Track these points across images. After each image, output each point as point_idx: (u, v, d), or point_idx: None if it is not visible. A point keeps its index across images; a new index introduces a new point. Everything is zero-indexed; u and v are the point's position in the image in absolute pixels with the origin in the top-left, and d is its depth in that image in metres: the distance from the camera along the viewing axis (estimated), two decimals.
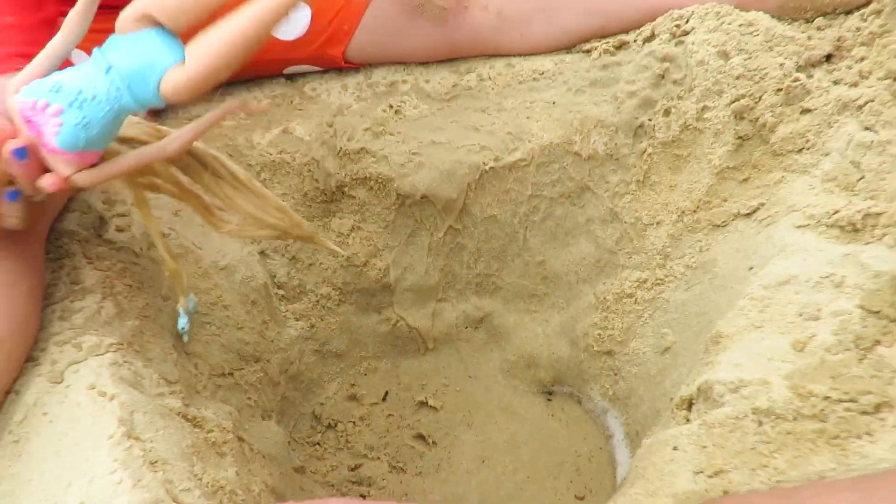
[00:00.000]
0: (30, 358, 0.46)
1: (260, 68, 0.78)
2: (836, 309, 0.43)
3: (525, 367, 0.73)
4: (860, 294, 0.43)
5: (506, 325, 0.74)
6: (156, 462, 0.40)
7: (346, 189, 0.71)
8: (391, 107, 0.75)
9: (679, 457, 0.39)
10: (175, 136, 0.43)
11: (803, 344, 0.42)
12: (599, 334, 0.68)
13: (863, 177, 0.54)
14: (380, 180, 0.69)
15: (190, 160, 0.48)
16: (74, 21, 0.40)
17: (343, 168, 0.70)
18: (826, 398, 0.37)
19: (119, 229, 0.57)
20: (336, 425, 0.70)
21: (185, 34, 0.39)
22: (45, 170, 0.41)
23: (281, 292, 0.71)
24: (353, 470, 0.67)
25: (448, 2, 0.75)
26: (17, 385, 0.45)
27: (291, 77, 0.81)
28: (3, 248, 0.47)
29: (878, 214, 0.50)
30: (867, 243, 0.49)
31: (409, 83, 0.78)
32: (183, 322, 0.54)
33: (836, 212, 0.51)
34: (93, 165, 0.42)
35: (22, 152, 0.39)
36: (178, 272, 0.52)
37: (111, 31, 0.39)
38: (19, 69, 0.42)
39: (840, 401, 0.37)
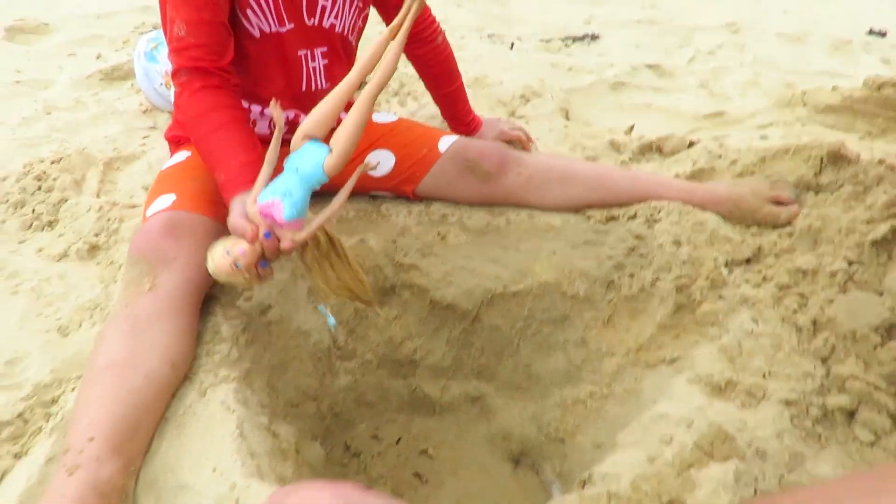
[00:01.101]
0: (186, 377, 0.76)
1: (355, 191, 1.08)
2: (680, 440, 0.68)
3: (502, 439, 0.98)
4: (697, 434, 0.68)
5: (494, 406, 1.00)
6: (253, 454, 0.68)
7: (396, 289, 0.99)
8: (439, 234, 1.03)
9: None
10: (330, 209, 0.74)
11: (653, 458, 0.67)
12: (558, 426, 0.93)
13: (741, 355, 0.78)
14: (420, 288, 0.97)
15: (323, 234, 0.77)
16: (271, 154, 0.74)
17: (397, 275, 0.99)
18: (646, 493, 0.62)
19: (245, 300, 0.87)
20: (360, 454, 0.97)
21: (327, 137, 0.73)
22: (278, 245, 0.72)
23: (339, 352, 1.00)
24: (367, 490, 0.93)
25: (492, 168, 1.04)
26: (179, 393, 0.74)
27: (373, 197, 1.11)
28: (182, 311, 0.77)
29: (736, 384, 0.74)
30: (725, 401, 0.73)
31: (455, 217, 1.07)
32: (332, 320, 0.81)
33: (712, 375, 0.76)
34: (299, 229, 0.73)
35: (268, 234, 0.70)
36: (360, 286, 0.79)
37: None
38: (248, 189, 0.74)
39: (657, 495, 0.62)
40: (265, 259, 0.72)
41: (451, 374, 1.02)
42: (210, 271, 0.72)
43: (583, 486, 0.71)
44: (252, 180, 0.75)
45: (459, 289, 0.97)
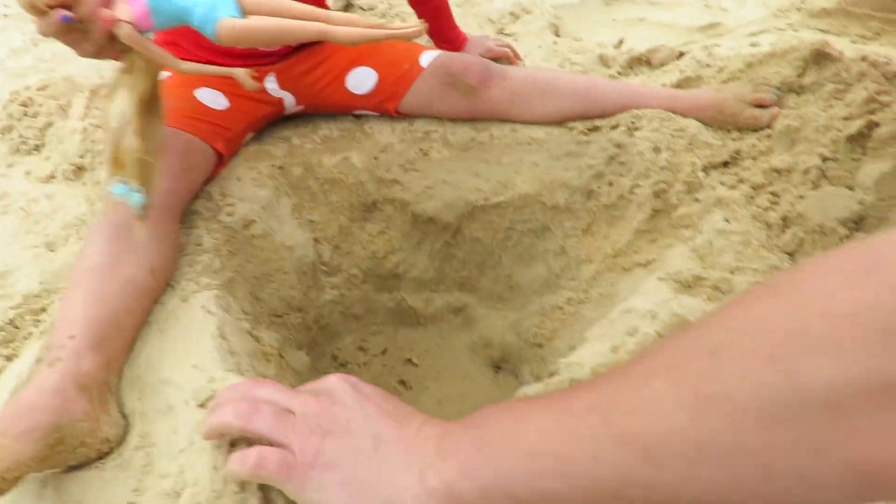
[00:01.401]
0: (169, 285, 0.78)
1: (338, 109, 1.08)
2: (644, 331, 0.69)
3: (483, 347, 1.01)
4: (661, 325, 0.70)
5: (476, 316, 1.02)
6: (233, 353, 0.71)
7: (378, 205, 1.00)
8: (421, 150, 1.04)
9: None
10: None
11: (617, 348, 0.69)
12: (536, 332, 0.95)
13: (711, 252, 0.79)
14: (402, 203, 0.99)
15: None
16: None
17: (379, 190, 1.00)
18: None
19: (228, 214, 0.89)
20: (346, 364, 1.01)
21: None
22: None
23: (324, 268, 1.02)
24: None
25: (475, 82, 1.02)
26: (162, 299, 0.77)
27: (357, 116, 1.11)
28: (162, 221, 0.78)
29: (704, 279, 0.75)
30: (691, 296, 0.75)
31: (439, 133, 1.06)
32: (137, 197, 0.62)
33: (681, 272, 0.77)
34: (141, 32, 0.58)
35: None
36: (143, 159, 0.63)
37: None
38: None
39: None
40: (67, 14, 0.57)
41: (434, 286, 1.04)
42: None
43: (550, 376, 0.73)
44: None
45: (440, 202, 0.98)
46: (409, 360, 1.01)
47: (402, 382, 0.99)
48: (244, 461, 0.47)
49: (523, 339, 0.97)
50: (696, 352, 0.31)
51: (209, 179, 0.91)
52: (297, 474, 0.44)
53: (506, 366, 1.00)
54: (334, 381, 0.49)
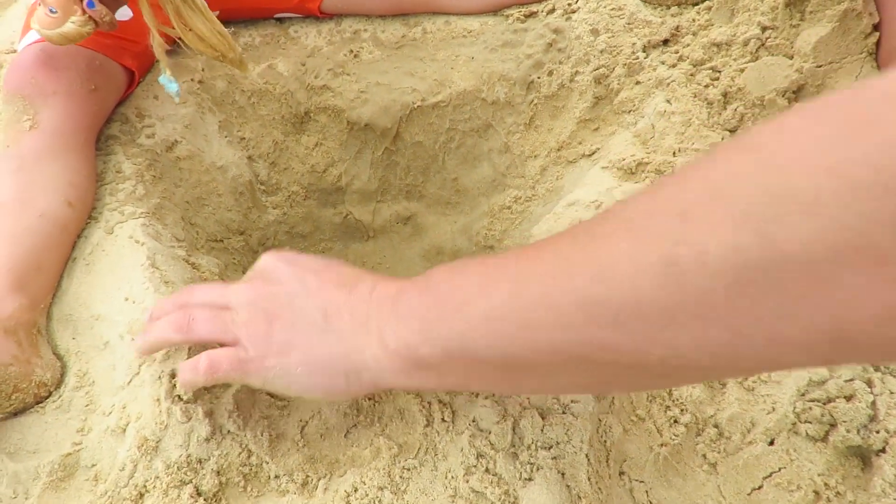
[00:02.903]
0: (91, 217, 0.73)
1: (255, 13, 1.00)
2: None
3: (436, 254, 1.00)
4: None
5: (426, 223, 1.00)
6: (168, 282, 0.68)
7: (311, 115, 0.95)
8: (351, 51, 0.98)
9: None
10: None
11: None
12: (486, 234, 0.94)
13: (653, 136, 0.78)
14: (335, 110, 0.94)
15: None
16: None
17: (310, 99, 0.94)
18: None
19: (147, 136, 0.83)
20: None
21: None
22: None
23: (262, 187, 0.98)
24: None
25: None
26: (84, 233, 0.72)
27: (280, 20, 1.03)
28: (72, 148, 0.73)
29: (647, 163, 0.74)
30: (634, 181, 0.74)
31: (368, 32, 1.00)
32: (173, 86, 0.71)
33: (624, 159, 0.75)
34: None
35: None
36: (163, 51, 0.69)
37: None
38: None
39: None
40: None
41: (379, 196, 1.01)
42: (43, 37, 0.65)
43: None
44: None
45: (376, 106, 0.93)
46: None
47: None
48: (195, 369, 0.46)
49: (474, 242, 0.96)
50: (664, 213, 0.29)
51: (123, 100, 0.84)
52: (254, 367, 0.43)
53: None
54: (266, 260, 0.46)
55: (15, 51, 0.97)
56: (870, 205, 0.23)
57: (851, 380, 0.52)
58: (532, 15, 0.95)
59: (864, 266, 0.24)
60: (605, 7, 0.89)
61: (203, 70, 0.92)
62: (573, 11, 0.91)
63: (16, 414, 0.58)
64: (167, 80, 0.70)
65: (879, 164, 0.23)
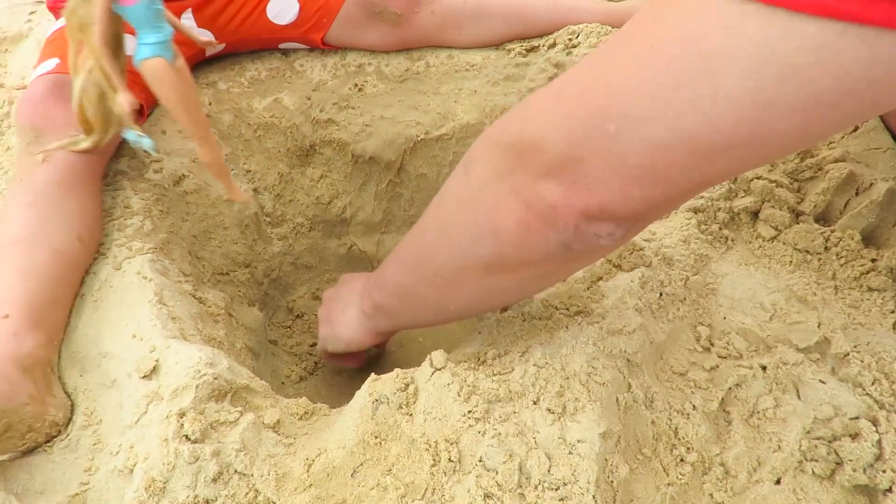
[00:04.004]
0: (100, 253, 0.74)
1: (261, 44, 1.02)
2: None
3: None
4: None
5: None
6: (175, 318, 0.69)
7: (317, 148, 0.96)
8: (356, 85, 0.99)
9: None
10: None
11: (567, 279, 0.68)
12: None
13: None
14: (340, 143, 0.95)
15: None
16: None
17: (315, 132, 0.96)
18: (556, 308, 0.64)
19: (155, 171, 0.84)
20: (303, 315, 0.99)
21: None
22: None
23: (268, 219, 0.99)
24: (311, 346, 0.96)
25: (401, 8, 0.97)
26: (93, 269, 0.73)
27: (286, 52, 1.04)
28: (83, 182, 0.74)
29: None
30: None
31: (373, 66, 1.02)
32: (146, 141, 0.64)
33: None
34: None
35: None
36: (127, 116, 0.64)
37: None
38: None
39: (566, 308, 0.64)
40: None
41: (383, 227, 1.02)
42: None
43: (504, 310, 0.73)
44: None
45: (380, 140, 0.95)
46: None
47: None
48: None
49: None
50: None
51: None
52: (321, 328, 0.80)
53: None
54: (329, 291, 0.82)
55: (25, 86, 0.98)
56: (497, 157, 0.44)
57: (857, 418, 0.52)
58: (533, 49, 0.97)
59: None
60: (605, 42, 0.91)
61: (210, 104, 0.94)
62: (574, 46, 0.92)
63: (25, 453, 0.59)
64: (136, 136, 0.65)
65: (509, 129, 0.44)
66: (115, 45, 0.60)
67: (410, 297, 0.60)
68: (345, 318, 0.74)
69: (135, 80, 0.84)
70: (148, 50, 0.58)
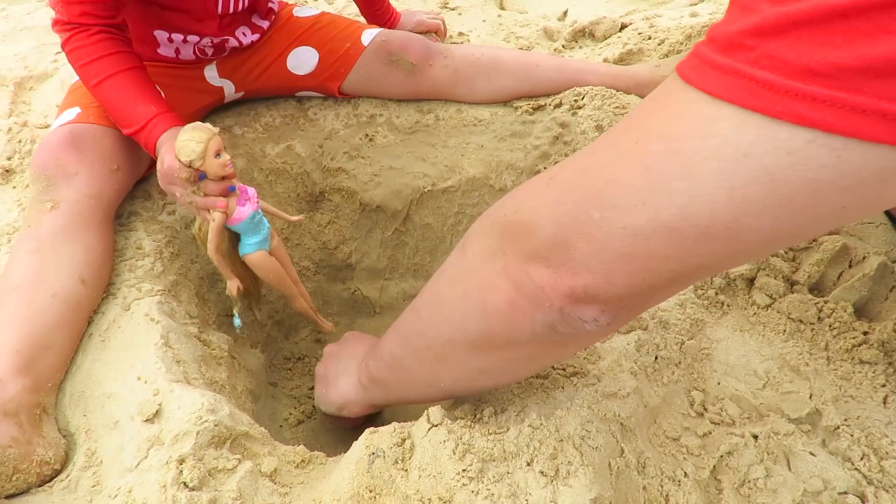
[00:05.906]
0: (109, 293, 0.76)
1: (279, 91, 1.05)
2: None
3: None
4: None
5: None
6: (179, 361, 0.70)
7: (326, 194, 0.99)
8: (367, 135, 1.02)
9: None
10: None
11: None
12: None
13: None
14: (349, 192, 0.97)
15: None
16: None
17: (325, 180, 0.98)
18: (550, 371, 0.65)
19: (168, 213, 0.87)
20: (304, 358, 1.00)
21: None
22: None
23: None
24: (311, 389, 0.97)
25: (416, 59, 1.00)
26: (102, 308, 0.75)
27: (300, 99, 1.08)
28: (89, 226, 0.76)
29: None
30: None
31: (384, 116, 1.05)
32: (237, 321, 0.80)
33: None
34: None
35: (233, 187, 0.74)
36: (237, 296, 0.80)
37: None
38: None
39: (562, 369, 0.65)
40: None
41: (387, 274, 1.03)
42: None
43: None
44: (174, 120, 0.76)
45: (388, 189, 0.97)
46: None
47: None
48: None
49: None
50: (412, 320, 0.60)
51: (146, 176, 0.88)
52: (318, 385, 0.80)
53: None
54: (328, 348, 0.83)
55: (47, 125, 1.02)
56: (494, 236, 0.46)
57: (845, 493, 0.53)
58: (540, 108, 1.00)
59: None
60: (609, 105, 0.94)
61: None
62: (579, 107, 0.95)
63: (21, 493, 0.59)
64: (236, 315, 0.80)
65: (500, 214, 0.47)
66: (227, 250, 0.77)
67: (403, 370, 0.61)
68: (340, 384, 0.75)
69: None
70: (251, 248, 0.76)
